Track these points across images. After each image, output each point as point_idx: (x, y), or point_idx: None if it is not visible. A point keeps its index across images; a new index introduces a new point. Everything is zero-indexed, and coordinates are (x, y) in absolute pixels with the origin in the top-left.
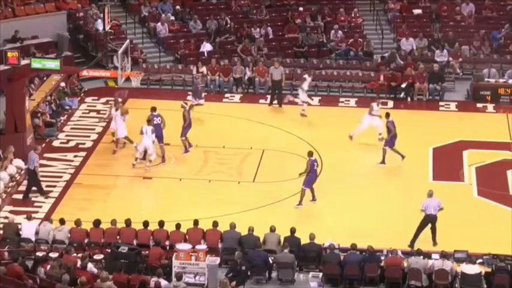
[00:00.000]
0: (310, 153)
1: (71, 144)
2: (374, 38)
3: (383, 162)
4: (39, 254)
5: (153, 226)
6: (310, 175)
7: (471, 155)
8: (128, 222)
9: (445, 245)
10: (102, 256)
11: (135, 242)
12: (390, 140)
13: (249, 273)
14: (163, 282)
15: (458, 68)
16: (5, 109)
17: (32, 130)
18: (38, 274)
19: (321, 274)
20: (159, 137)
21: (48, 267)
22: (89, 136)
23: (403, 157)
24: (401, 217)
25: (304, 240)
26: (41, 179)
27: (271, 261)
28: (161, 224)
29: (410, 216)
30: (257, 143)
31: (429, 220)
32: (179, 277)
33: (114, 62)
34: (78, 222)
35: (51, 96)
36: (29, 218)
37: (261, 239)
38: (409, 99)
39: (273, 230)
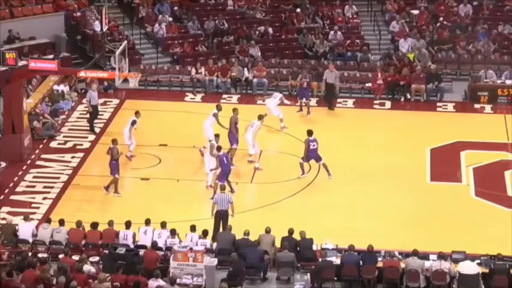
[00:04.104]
0: (218, 148)
1: (69, 145)
2: (371, 39)
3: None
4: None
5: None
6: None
7: (469, 156)
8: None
9: (443, 246)
10: (97, 258)
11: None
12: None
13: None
14: (161, 283)
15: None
16: (3, 110)
17: (30, 131)
18: None
19: None
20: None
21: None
22: (86, 137)
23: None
24: (399, 218)
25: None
26: (38, 180)
27: (266, 260)
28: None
29: (409, 217)
30: None
31: (220, 216)
32: (173, 281)
33: (111, 63)
34: (78, 223)
35: (48, 98)
36: (26, 219)
37: (256, 240)
38: (402, 99)
39: (268, 231)
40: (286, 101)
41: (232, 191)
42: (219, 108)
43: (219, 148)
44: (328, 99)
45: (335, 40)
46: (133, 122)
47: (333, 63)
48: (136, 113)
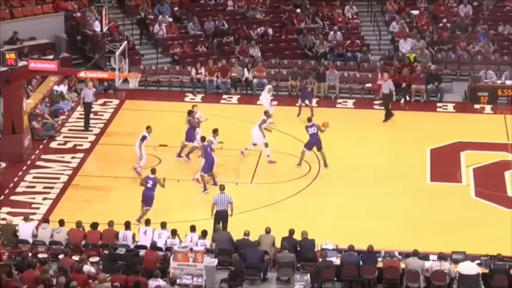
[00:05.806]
0: (202, 138)
1: (69, 145)
2: (371, 39)
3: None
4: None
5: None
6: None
7: (469, 156)
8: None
9: (443, 246)
10: (97, 258)
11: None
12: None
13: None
14: (161, 283)
15: None
16: (3, 110)
17: (30, 131)
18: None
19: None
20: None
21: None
22: (86, 138)
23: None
24: (399, 218)
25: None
26: (38, 180)
27: (266, 260)
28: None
29: (409, 217)
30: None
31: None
32: (173, 281)
33: (111, 64)
34: (78, 224)
35: (48, 98)
36: (26, 219)
37: (256, 240)
38: (402, 100)
39: (268, 231)
40: (272, 91)
41: (215, 183)
42: (267, 114)
43: (202, 139)
44: (386, 110)
45: (335, 40)
46: (143, 138)
47: (333, 63)
48: (148, 128)
